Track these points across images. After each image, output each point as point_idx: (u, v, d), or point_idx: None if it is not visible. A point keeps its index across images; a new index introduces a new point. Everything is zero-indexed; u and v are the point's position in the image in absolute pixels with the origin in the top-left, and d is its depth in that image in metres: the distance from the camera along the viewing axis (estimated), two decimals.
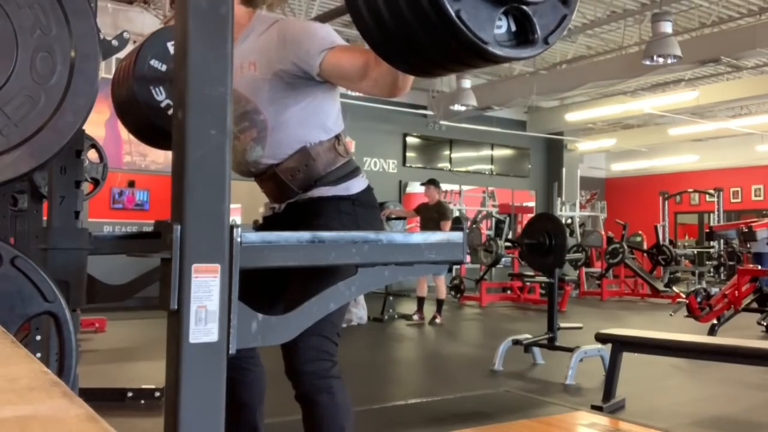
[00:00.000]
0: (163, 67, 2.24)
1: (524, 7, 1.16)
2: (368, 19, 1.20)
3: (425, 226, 7.70)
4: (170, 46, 2.26)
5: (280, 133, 1.83)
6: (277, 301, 1.84)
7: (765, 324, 6.76)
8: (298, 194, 1.86)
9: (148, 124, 2.24)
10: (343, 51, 1.72)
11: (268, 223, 1.97)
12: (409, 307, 8.69)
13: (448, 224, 7.50)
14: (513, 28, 1.19)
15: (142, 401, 3.64)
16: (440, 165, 13.52)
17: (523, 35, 1.19)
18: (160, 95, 2.23)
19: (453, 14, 1.08)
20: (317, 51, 1.71)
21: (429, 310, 7.93)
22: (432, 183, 7.86)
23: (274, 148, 1.84)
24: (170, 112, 2.20)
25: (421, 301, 7.75)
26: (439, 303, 7.67)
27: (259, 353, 1.99)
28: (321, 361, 1.73)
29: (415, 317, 7.67)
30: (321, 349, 1.73)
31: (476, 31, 1.11)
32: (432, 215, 7.64)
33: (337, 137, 1.89)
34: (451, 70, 1.31)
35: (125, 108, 2.28)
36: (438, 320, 7.55)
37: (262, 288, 1.80)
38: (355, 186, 1.88)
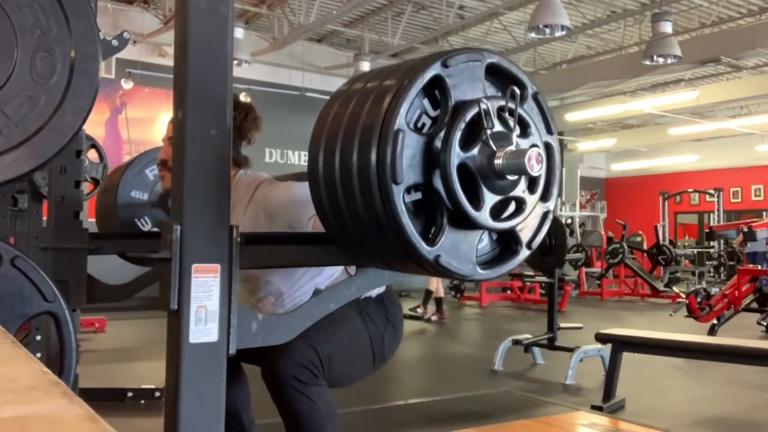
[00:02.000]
0: (145, 197, 2.27)
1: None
2: (342, 241, 1.22)
3: None
4: (149, 173, 2.28)
5: (295, 292, 1.90)
6: None
7: (765, 324, 6.76)
8: None
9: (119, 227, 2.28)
10: None
11: None
12: (409, 307, 8.69)
13: None
14: (494, 236, 1.20)
15: (142, 401, 3.64)
16: None
17: (506, 244, 1.20)
18: (146, 225, 2.26)
19: (431, 261, 1.09)
20: (306, 219, 1.73)
21: (429, 310, 7.93)
22: None
23: (295, 303, 1.88)
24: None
25: (428, 294, 7.75)
26: (438, 302, 7.68)
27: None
28: (302, 368, 1.69)
29: (419, 310, 7.69)
30: (306, 357, 1.70)
31: (456, 271, 1.12)
32: None
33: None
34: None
35: (107, 225, 2.33)
36: (434, 318, 7.55)
37: None
38: (376, 289, 1.92)
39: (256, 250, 1.21)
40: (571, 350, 4.49)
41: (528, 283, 9.88)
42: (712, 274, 12.92)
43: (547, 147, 1.21)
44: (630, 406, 3.77)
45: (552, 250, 5.08)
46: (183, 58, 1.07)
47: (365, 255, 1.22)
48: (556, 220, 5.37)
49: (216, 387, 1.08)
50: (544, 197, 1.20)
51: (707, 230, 11.55)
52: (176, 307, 1.05)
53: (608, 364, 3.89)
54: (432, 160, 1.08)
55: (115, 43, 1.76)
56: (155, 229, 2.29)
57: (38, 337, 1.57)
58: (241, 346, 1.13)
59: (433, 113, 1.10)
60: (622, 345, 3.76)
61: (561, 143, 15.72)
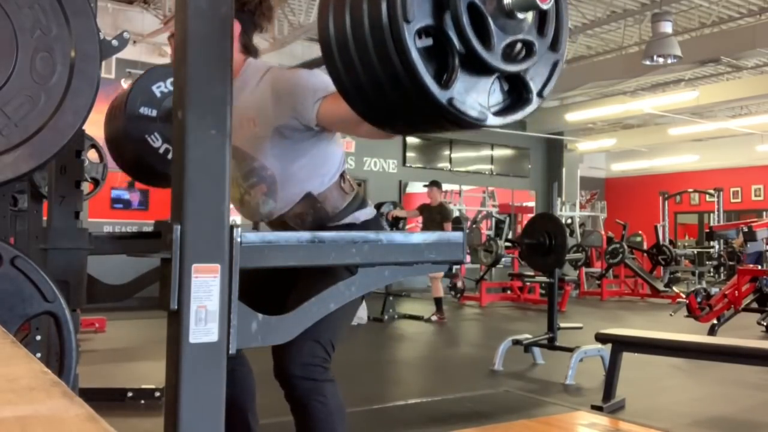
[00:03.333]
0: (154, 113, 2.26)
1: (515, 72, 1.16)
2: (358, 103, 1.20)
3: (427, 227, 7.77)
4: (156, 90, 2.28)
5: (289, 185, 1.85)
6: (280, 306, 1.84)
7: (765, 324, 6.76)
8: None
9: (141, 163, 2.27)
10: (337, 97, 1.74)
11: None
12: (409, 306, 8.70)
13: (450, 225, 7.61)
14: (506, 87, 1.19)
15: (142, 401, 3.64)
16: (440, 165, 13.53)
17: (517, 94, 1.19)
18: (157, 141, 2.25)
19: (445, 104, 1.08)
20: (312, 102, 1.71)
21: (429, 310, 7.93)
22: (435, 185, 7.98)
23: (286, 199, 1.86)
24: (169, 156, 2.24)
25: (438, 301, 7.74)
26: (438, 301, 7.68)
27: (244, 354, 1.99)
28: (312, 366, 1.72)
29: (434, 318, 7.67)
30: (313, 354, 1.72)
31: (470, 114, 1.11)
32: (434, 216, 7.72)
33: (341, 175, 1.92)
34: (438, 132, 1.32)
35: (116, 144, 2.32)
36: (434, 318, 7.54)
37: (265, 292, 1.80)
38: (362, 215, 1.91)
39: (256, 249, 1.21)
40: (571, 350, 4.49)
41: (528, 283, 9.89)
42: (712, 274, 12.91)
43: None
44: (630, 406, 3.77)
45: (552, 250, 5.08)
46: (183, 58, 1.07)
47: (379, 112, 1.21)
48: (556, 220, 5.37)
49: (216, 387, 1.08)
50: (554, 45, 1.20)
51: (707, 230, 11.55)
52: (176, 307, 1.06)
53: (608, 364, 3.89)
54: (441, 4, 1.07)
55: (115, 43, 1.76)
56: (165, 145, 2.26)
57: (38, 337, 1.57)
58: (241, 346, 1.14)
59: None
60: (622, 345, 3.76)
61: (561, 143, 15.73)
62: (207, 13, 1.08)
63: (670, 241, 12.88)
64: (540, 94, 1.20)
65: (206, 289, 1.07)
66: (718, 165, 16.24)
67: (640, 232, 12.50)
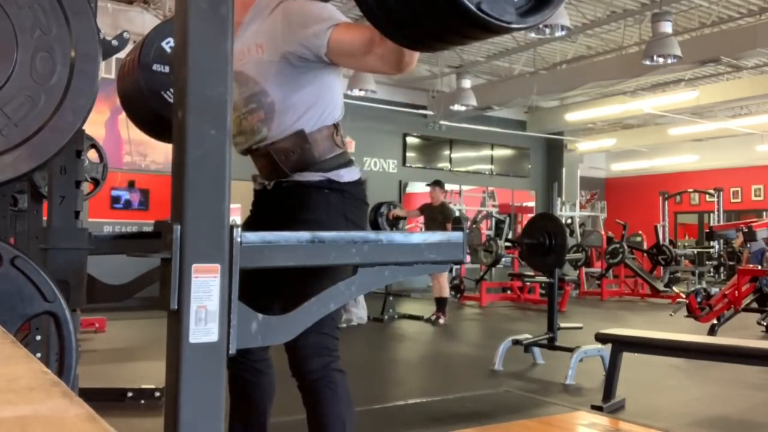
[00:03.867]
0: (166, 69, 2.25)
1: None
2: (381, 16, 1.19)
3: (429, 227, 7.74)
4: (166, 46, 2.26)
5: (286, 116, 1.83)
6: (274, 300, 1.85)
7: (765, 324, 6.76)
8: (289, 175, 1.86)
9: (158, 118, 2.24)
10: (348, 27, 1.74)
11: (258, 199, 1.98)
12: (409, 306, 8.70)
13: (450, 225, 7.57)
14: None
15: (142, 401, 3.64)
16: (440, 165, 13.53)
17: None
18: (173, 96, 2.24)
19: (473, 8, 1.07)
20: (323, 30, 1.71)
21: (429, 310, 7.93)
22: (437, 184, 7.94)
23: (279, 129, 1.85)
24: None
25: (439, 301, 7.71)
26: (442, 302, 7.65)
27: (270, 356, 2.00)
28: (322, 357, 1.76)
29: (434, 317, 7.63)
30: (321, 346, 1.76)
31: (500, 17, 1.10)
32: (436, 216, 7.69)
33: (336, 127, 1.90)
34: (462, 44, 1.30)
35: (131, 100, 2.30)
36: (441, 320, 7.53)
37: (259, 287, 1.80)
38: (347, 175, 1.88)
39: (256, 249, 1.21)
40: (571, 350, 4.49)
41: (528, 283, 9.89)
42: (712, 274, 12.91)
43: None
44: (630, 406, 3.77)
45: (552, 250, 5.08)
46: (183, 58, 1.07)
47: (403, 23, 1.19)
48: (556, 220, 5.37)
49: (216, 387, 1.08)
50: None
51: (707, 230, 11.55)
52: (176, 307, 1.05)
53: (608, 364, 3.89)
54: None
55: (115, 43, 1.76)
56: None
57: (38, 337, 1.57)
58: (241, 346, 1.13)
59: None
60: (622, 345, 3.76)
61: (561, 143, 15.74)
62: (207, 13, 1.08)
63: (670, 241, 12.88)
64: None
65: (206, 289, 1.07)
66: (718, 165, 16.24)
67: (640, 232, 12.50)
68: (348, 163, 1.90)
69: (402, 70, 1.67)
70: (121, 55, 2.26)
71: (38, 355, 1.56)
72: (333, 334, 1.80)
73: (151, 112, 2.24)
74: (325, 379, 1.76)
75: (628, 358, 3.80)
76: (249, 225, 1.91)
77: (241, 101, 1.86)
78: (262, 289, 1.83)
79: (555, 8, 1.18)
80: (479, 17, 1.09)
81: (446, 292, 7.73)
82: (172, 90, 2.23)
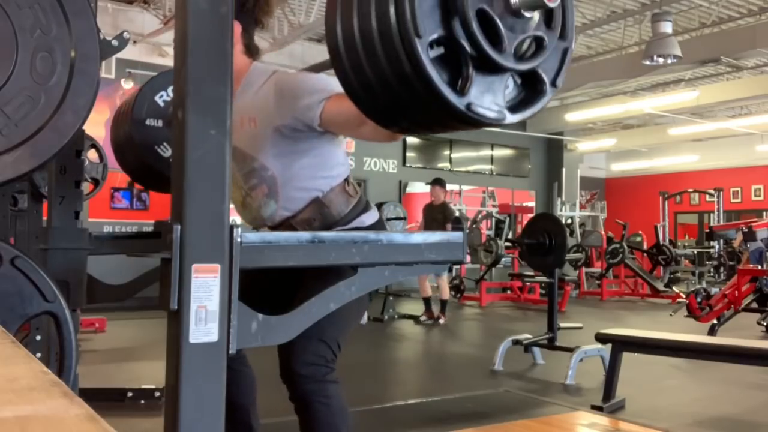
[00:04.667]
0: (160, 123, 2.28)
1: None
2: (368, 106, 1.21)
3: (429, 227, 7.65)
4: (159, 101, 2.29)
5: (290, 187, 1.84)
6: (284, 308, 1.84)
7: (765, 324, 6.76)
8: None
9: (151, 171, 2.28)
10: (340, 99, 1.70)
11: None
12: (409, 307, 8.69)
13: (450, 226, 7.54)
14: (519, 80, 1.20)
15: (142, 401, 3.64)
16: (440, 165, 13.52)
17: (531, 87, 1.20)
18: (167, 151, 2.27)
19: (464, 110, 1.09)
20: (316, 103, 1.70)
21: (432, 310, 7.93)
22: (438, 183, 7.82)
23: (288, 201, 1.85)
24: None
25: (427, 301, 7.72)
26: (443, 303, 7.66)
27: (245, 354, 1.99)
28: (317, 366, 1.71)
29: (423, 318, 7.64)
30: (318, 354, 1.72)
31: (489, 116, 1.13)
32: (437, 216, 7.62)
33: (346, 179, 1.91)
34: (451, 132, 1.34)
35: (124, 151, 2.33)
36: (442, 320, 7.53)
37: (269, 294, 1.79)
38: (368, 219, 1.91)
39: (256, 249, 1.21)
40: (571, 350, 4.49)
41: (528, 283, 9.88)
42: (712, 274, 12.91)
43: None
44: (630, 406, 3.77)
45: (552, 250, 5.08)
46: (183, 58, 1.07)
47: (390, 115, 1.21)
48: (556, 220, 5.37)
49: (216, 387, 1.08)
50: (563, 34, 1.20)
51: (707, 230, 11.55)
52: (176, 307, 1.05)
53: (608, 364, 3.89)
54: (449, 8, 1.07)
55: (115, 43, 1.76)
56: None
57: (38, 337, 1.57)
58: (241, 346, 1.13)
59: None
60: (622, 345, 3.76)
61: (561, 143, 15.75)
62: (207, 13, 1.08)
63: (670, 241, 12.88)
64: (553, 84, 1.21)
65: (206, 289, 1.07)
66: (718, 165, 16.24)
67: (640, 232, 12.50)
68: (366, 207, 1.93)
69: (395, 140, 1.67)
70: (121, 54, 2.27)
71: (38, 355, 1.55)
72: (333, 345, 1.75)
73: (142, 164, 2.28)
74: (318, 392, 1.71)
75: (628, 358, 3.80)
76: (268, 287, 1.85)
77: (240, 178, 1.86)
78: (274, 297, 1.81)
79: (545, 101, 1.20)
80: (469, 117, 1.11)
81: (446, 294, 7.75)
82: (165, 144, 2.26)
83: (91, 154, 4.13)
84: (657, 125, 15.15)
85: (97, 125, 8.91)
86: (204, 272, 1.07)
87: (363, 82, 1.15)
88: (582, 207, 14.64)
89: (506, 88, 1.17)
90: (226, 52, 1.10)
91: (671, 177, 16.83)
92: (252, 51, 1.90)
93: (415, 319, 7.74)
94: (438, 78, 1.06)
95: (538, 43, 1.16)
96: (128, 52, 8.14)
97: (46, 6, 1.22)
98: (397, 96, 1.13)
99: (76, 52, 1.24)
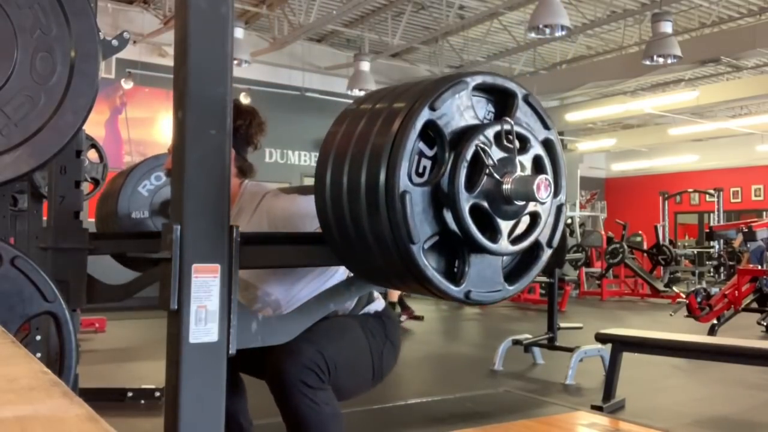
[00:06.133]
0: (146, 213, 2.29)
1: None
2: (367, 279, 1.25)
3: None
4: (143, 191, 2.30)
5: (294, 305, 1.82)
6: None
7: (765, 324, 6.76)
8: None
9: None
10: None
11: None
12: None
13: None
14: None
15: (142, 401, 3.64)
16: None
17: (528, 253, 1.21)
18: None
19: (463, 298, 1.12)
20: (309, 230, 1.70)
21: (429, 310, 7.93)
22: None
23: None
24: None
25: (400, 301, 7.66)
26: (393, 305, 7.57)
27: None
28: (308, 370, 1.68)
29: (403, 318, 7.61)
30: (312, 359, 1.68)
31: (488, 299, 1.16)
32: None
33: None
34: None
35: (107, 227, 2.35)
36: (404, 318, 7.48)
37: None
38: (374, 308, 1.94)
39: (256, 250, 1.21)
40: (571, 350, 4.48)
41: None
42: (712, 274, 12.90)
43: (547, 144, 1.21)
44: (630, 406, 3.77)
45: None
46: (183, 58, 1.07)
47: (378, 281, 1.24)
48: None
49: (216, 387, 1.08)
50: (555, 193, 1.20)
51: (707, 230, 11.54)
52: (176, 307, 1.05)
53: (608, 364, 3.89)
54: (441, 204, 1.08)
55: (115, 43, 1.76)
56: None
57: (38, 337, 1.57)
58: (241, 346, 1.13)
59: (429, 152, 1.10)
60: (622, 345, 3.76)
61: (561, 143, 15.84)
62: (207, 13, 1.08)
63: (670, 241, 12.88)
64: (550, 245, 1.22)
65: (206, 289, 1.07)
66: (718, 165, 16.23)
67: (640, 232, 12.49)
68: (369, 299, 1.94)
69: None
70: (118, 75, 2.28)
71: (38, 355, 1.55)
72: (329, 360, 1.71)
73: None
74: (307, 398, 1.66)
75: (628, 358, 3.80)
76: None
77: (245, 301, 1.88)
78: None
79: (542, 263, 1.22)
80: (469, 303, 1.15)
81: (395, 297, 7.70)
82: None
83: (91, 154, 4.12)
84: (657, 125, 15.15)
85: (97, 125, 8.92)
86: (204, 272, 1.07)
87: (359, 271, 1.20)
88: (582, 207, 14.63)
89: (503, 258, 1.18)
90: (226, 52, 1.10)
91: (671, 177, 16.82)
92: (246, 172, 1.92)
93: (418, 318, 7.73)
94: (435, 275, 1.07)
95: (533, 219, 1.17)
96: (128, 52, 8.14)
97: (46, 6, 1.22)
98: (395, 282, 1.16)
99: (76, 52, 1.24)
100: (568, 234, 10.28)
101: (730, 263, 11.86)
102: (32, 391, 0.60)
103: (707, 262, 13.38)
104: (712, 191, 13.04)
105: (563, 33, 7.55)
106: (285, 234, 1.67)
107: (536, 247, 1.20)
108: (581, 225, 13.05)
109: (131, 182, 2.31)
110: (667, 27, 8.06)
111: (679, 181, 16.28)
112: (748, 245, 8.32)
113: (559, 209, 1.22)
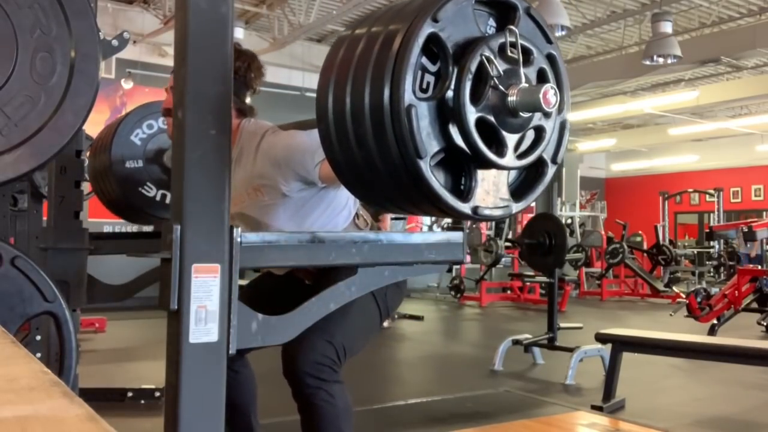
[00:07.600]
0: (140, 163, 2.27)
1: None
2: (369, 202, 1.25)
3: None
4: (136, 140, 2.28)
5: None
6: None
7: (765, 324, 6.76)
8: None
9: (135, 210, 2.28)
10: None
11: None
12: (409, 307, 8.69)
13: None
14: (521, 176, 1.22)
15: (142, 401, 3.64)
16: None
17: (534, 169, 1.21)
18: (151, 190, 2.26)
19: (470, 213, 1.12)
20: (312, 166, 1.73)
21: (429, 310, 7.93)
22: None
23: None
24: (167, 200, 2.27)
25: None
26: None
27: (246, 356, 1.99)
28: (322, 365, 1.71)
29: (385, 323, 7.60)
30: (325, 354, 1.71)
31: (496, 215, 1.16)
32: None
33: (356, 213, 1.93)
34: None
35: (111, 202, 2.33)
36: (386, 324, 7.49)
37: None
38: None
39: (256, 249, 1.21)
40: (571, 350, 4.48)
41: (528, 283, 9.88)
42: (712, 274, 12.90)
43: (551, 59, 1.19)
44: (630, 406, 3.77)
45: (552, 250, 5.08)
46: (183, 58, 1.07)
47: (386, 205, 1.22)
48: (556, 220, 5.37)
49: (216, 387, 1.08)
50: (559, 109, 1.19)
51: (707, 230, 11.54)
52: (176, 307, 1.05)
53: (608, 364, 3.89)
54: (447, 119, 1.07)
55: (115, 43, 1.76)
56: (160, 192, 2.29)
57: (38, 337, 1.57)
58: (241, 346, 1.13)
59: (432, 68, 1.08)
60: (622, 345, 3.76)
61: None
62: (207, 13, 1.08)
63: (670, 241, 12.87)
64: (554, 161, 1.22)
65: (206, 289, 1.07)
66: (718, 165, 16.23)
67: (640, 232, 12.49)
68: None
69: None
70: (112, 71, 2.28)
71: (38, 355, 1.55)
72: (340, 349, 1.74)
73: (125, 203, 2.26)
74: (322, 392, 1.70)
75: (628, 358, 3.80)
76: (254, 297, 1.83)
77: None
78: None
79: (547, 180, 1.22)
80: (476, 219, 1.13)
81: None
82: (149, 184, 2.25)
83: None
84: (657, 125, 15.15)
85: (97, 125, 8.90)
86: (204, 272, 1.07)
87: (367, 196, 1.18)
88: (582, 207, 14.63)
89: (509, 174, 1.18)
90: (226, 52, 1.10)
91: (671, 177, 16.82)
92: (245, 112, 1.91)
93: (418, 318, 7.74)
94: (443, 190, 1.07)
95: (538, 133, 1.16)
96: (128, 52, 8.14)
97: (46, 6, 1.22)
98: (402, 204, 1.14)
99: (76, 52, 1.24)
100: (568, 234, 10.24)
101: (730, 263, 11.86)
102: (32, 391, 0.60)
103: (707, 262, 13.39)
104: (712, 191, 13.03)
105: (563, 33, 7.55)
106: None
107: (541, 163, 1.19)
108: (581, 225, 13.04)
109: (123, 132, 2.27)
110: (667, 27, 8.06)
111: (679, 181, 16.28)
112: (748, 245, 8.32)
113: (563, 126, 1.21)
